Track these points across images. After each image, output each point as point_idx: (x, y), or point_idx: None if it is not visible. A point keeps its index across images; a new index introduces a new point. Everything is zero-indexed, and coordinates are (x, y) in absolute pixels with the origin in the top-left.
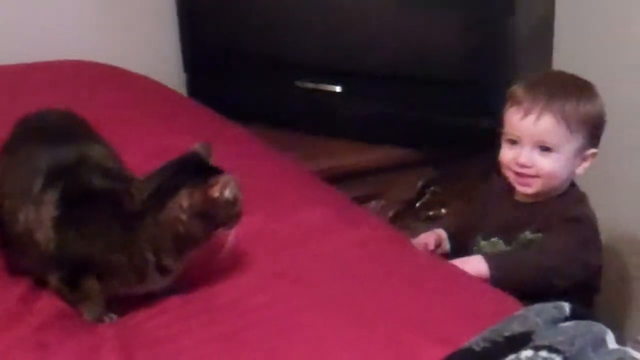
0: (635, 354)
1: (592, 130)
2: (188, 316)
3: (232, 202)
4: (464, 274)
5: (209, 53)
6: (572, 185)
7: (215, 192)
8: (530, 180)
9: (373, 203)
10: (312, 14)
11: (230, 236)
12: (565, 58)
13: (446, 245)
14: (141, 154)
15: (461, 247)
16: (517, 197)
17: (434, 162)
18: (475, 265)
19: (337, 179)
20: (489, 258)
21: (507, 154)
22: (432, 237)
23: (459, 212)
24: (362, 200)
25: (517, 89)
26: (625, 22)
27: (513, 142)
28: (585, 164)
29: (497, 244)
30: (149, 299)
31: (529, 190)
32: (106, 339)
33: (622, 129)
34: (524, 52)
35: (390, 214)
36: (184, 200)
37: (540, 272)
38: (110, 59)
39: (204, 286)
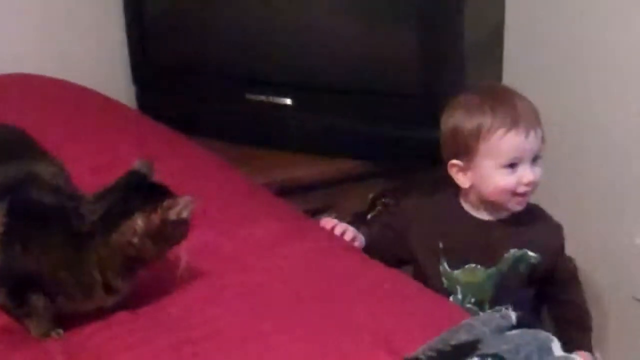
0: None
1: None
2: (136, 330)
3: (184, 221)
4: (413, 283)
5: (158, 66)
6: None
7: (172, 215)
8: (528, 196)
9: (324, 215)
10: (261, 27)
11: (183, 252)
12: (516, 68)
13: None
14: (88, 168)
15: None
16: (480, 217)
17: (385, 174)
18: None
19: (288, 191)
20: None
21: (508, 180)
22: (348, 232)
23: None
24: (313, 212)
25: (496, 118)
26: (575, 32)
27: (511, 166)
28: None
29: (474, 270)
30: (96, 313)
31: (522, 207)
32: (53, 354)
33: (566, 133)
34: (474, 63)
35: None
36: (138, 224)
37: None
38: (58, 73)
39: (153, 299)
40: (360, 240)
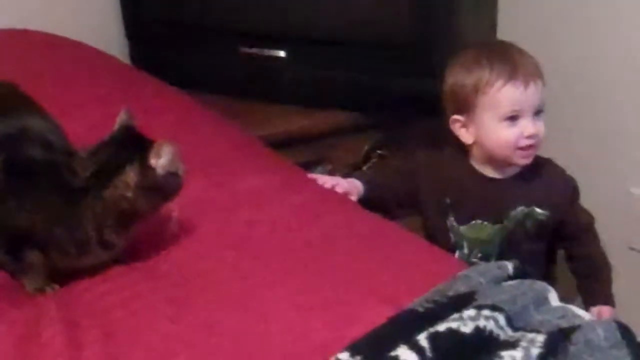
0: (577, 310)
1: None
2: (131, 283)
3: (174, 172)
4: (408, 233)
5: (151, 20)
6: None
7: (151, 159)
8: (533, 150)
9: (318, 168)
10: None
11: (175, 208)
12: (510, 17)
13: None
14: (84, 123)
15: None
16: (488, 174)
17: (380, 126)
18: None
19: (283, 144)
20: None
21: (509, 133)
22: (339, 187)
23: (385, 174)
24: (308, 165)
25: (493, 71)
26: None
27: (512, 119)
28: None
29: (481, 226)
30: (91, 268)
31: (528, 160)
32: (47, 309)
33: (561, 84)
34: (468, 12)
35: None
36: (130, 177)
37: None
38: (50, 27)
39: (146, 254)
40: (356, 193)
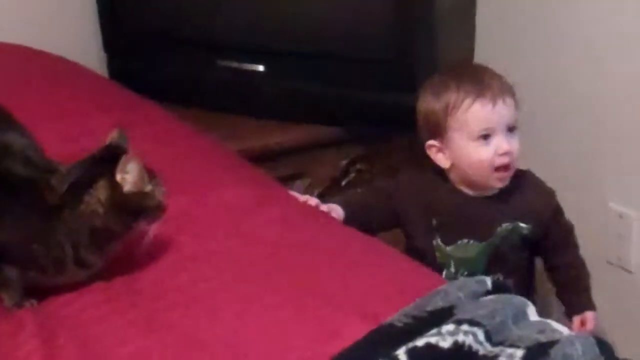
0: (556, 325)
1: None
2: (109, 299)
3: (143, 191)
4: (387, 248)
5: (129, 33)
6: None
7: (117, 175)
8: (509, 169)
9: (298, 182)
10: None
11: (150, 230)
12: (489, 34)
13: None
14: (60, 136)
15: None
16: (469, 192)
17: (359, 140)
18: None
19: (261, 158)
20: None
21: (483, 152)
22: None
23: (362, 197)
24: (286, 179)
25: (460, 92)
26: (546, 6)
27: (485, 138)
28: None
29: (469, 246)
30: (70, 285)
31: (506, 182)
32: (25, 324)
33: (540, 99)
34: (447, 28)
35: (316, 192)
36: (101, 192)
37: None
38: (28, 41)
39: (125, 268)
40: (336, 213)
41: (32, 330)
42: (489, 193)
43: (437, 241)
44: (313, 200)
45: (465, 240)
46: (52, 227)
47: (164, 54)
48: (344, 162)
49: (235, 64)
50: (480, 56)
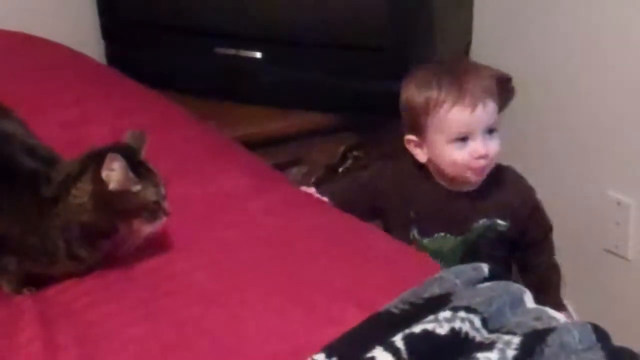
0: (552, 312)
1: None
2: (107, 285)
3: (129, 190)
4: (384, 236)
5: (127, 20)
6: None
7: (102, 171)
8: (485, 168)
9: (295, 169)
10: None
11: (144, 230)
12: (486, 23)
13: None
14: (57, 123)
15: None
16: (449, 187)
17: (355, 127)
18: None
19: (258, 145)
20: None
21: (459, 154)
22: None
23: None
24: (284, 166)
25: (441, 93)
26: None
27: (462, 140)
28: None
29: (444, 239)
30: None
31: (481, 178)
32: (23, 309)
33: (537, 88)
34: (444, 16)
35: (313, 179)
36: (87, 184)
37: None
38: (26, 27)
39: (122, 256)
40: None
41: (32, 316)
42: (468, 188)
43: (414, 233)
44: (309, 190)
45: (442, 234)
46: (47, 220)
47: (162, 41)
48: (341, 149)
49: (232, 51)
50: (478, 45)
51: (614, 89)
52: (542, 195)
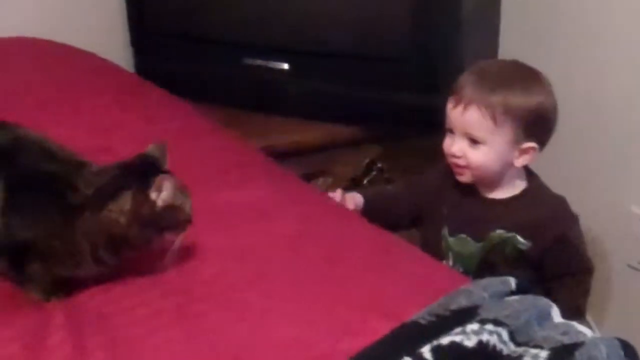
0: (580, 327)
1: (527, 123)
2: (136, 291)
3: (174, 206)
4: (409, 246)
5: (156, 29)
6: (533, 178)
7: (152, 193)
8: (462, 170)
9: (320, 180)
10: None
11: (177, 241)
12: (512, 34)
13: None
14: (86, 130)
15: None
16: (483, 193)
17: (380, 139)
18: None
19: (284, 156)
20: None
21: (446, 143)
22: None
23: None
24: (309, 177)
25: (460, 77)
26: (570, 5)
27: (450, 131)
28: (527, 157)
29: (465, 241)
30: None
31: (463, 179)
32: (53, 316)
33: (563, 100)
34: (471, 29)
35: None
36: (125, 203)
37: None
38: (55, 36)
39: (150, 263)
40: (353, 201)
41: (61, 321)
42: (499, 196)
43: (445, 231)
44: (337, 194)
45: (464, 236)
46: (72, 225)
47: (190, 52)
48: (365, 161)
49: (259, 62)
50: (505, 55)
51: (638, 103)
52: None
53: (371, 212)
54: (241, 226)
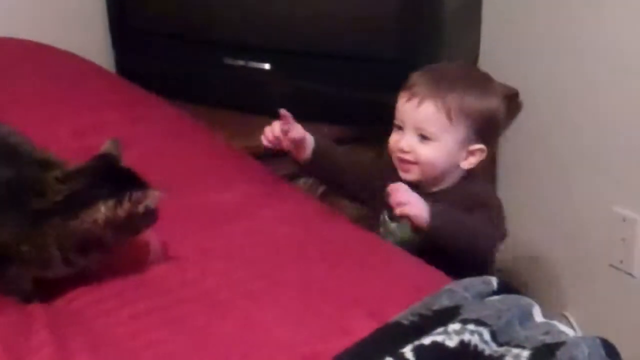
0: (562, 327)
1: (479, 125)
2: (119, 292)
3: (151, 211)
4: (392, 248)
5: (137, 29)
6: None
7: (141, 209)
8: (410, 166)
9: (302, 180)
10: None
11: (152, 239)
12: (494, 33)
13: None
14: (69, 131)
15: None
16: (425, 189)
17: (364, 140)
18: (420, 207)
19: (265, 156)
20: (432, 207)
21: (393, 138)
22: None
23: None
24: (290, 177)
25: (413, 74)
26: (551, 5)
27: (399, 128)
28: (472, 159)
29: (404, 227)
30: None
31: (409, 177)
32: (35, 317)
33: (544, 100)
34: (453, 28)
35: (319, 191)
36: (101, 214)
37: (471, 233)
38: (38, 37)
39: (133, 263)
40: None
41: (42, 323)
42: (437, 187)
43: (384, 216)
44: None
45: (405, 222)
46: (39, 230)
47: (171, 51)
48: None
49: (241, 62)
50: (485, 58)
51: (621, 104)
52: (547, 210)
53: (317, 161)
54: (225, 226)
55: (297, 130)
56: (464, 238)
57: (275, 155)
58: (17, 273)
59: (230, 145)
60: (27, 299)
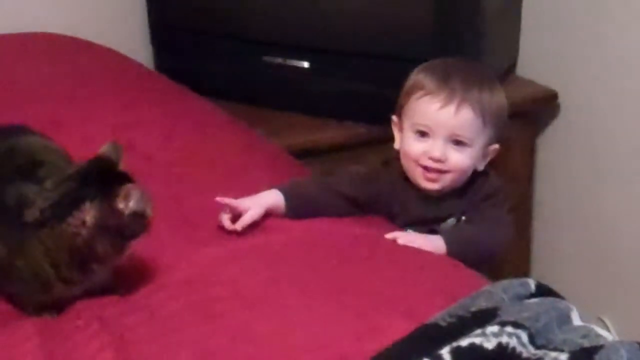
0: (599, 330)
1: (501, 124)
2: (156, 290)
3: (140, 214)
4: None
5: (176, 27)
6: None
7: (119, 204)
8: (439, 176)
9: None
10: None
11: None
12: (532, 37)
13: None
14: (108, 127)
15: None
16: (424, 191)
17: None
18: (432, 245)
19: (303, 154)
20: (444, 237)
21: (415, 146)
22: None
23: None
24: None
25: (425, 78)
26: (591, 8)
27: (423, 134)
28: (485, 160)
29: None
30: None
31: (435, 187)
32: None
33: (582, 105)
34: (492, 30)
35: None
36: (88, 215)
37: (487, 244)
38: (77, 32)
39: (160, 260)
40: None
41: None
42: (434, 193)
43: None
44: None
45: (411, 230)
46: (29, 245)
47: (210, 49)
48: (382, 161)
49: (280, 60)
50: (524, 60)
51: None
52: (584, 212)
53: (297, 211)
54: (262, 224)
55: (251, 213)
56: (482, 252)
57: (311, 154)
58: (24, 288)
59: (269, 143)
60: (37, 312)
